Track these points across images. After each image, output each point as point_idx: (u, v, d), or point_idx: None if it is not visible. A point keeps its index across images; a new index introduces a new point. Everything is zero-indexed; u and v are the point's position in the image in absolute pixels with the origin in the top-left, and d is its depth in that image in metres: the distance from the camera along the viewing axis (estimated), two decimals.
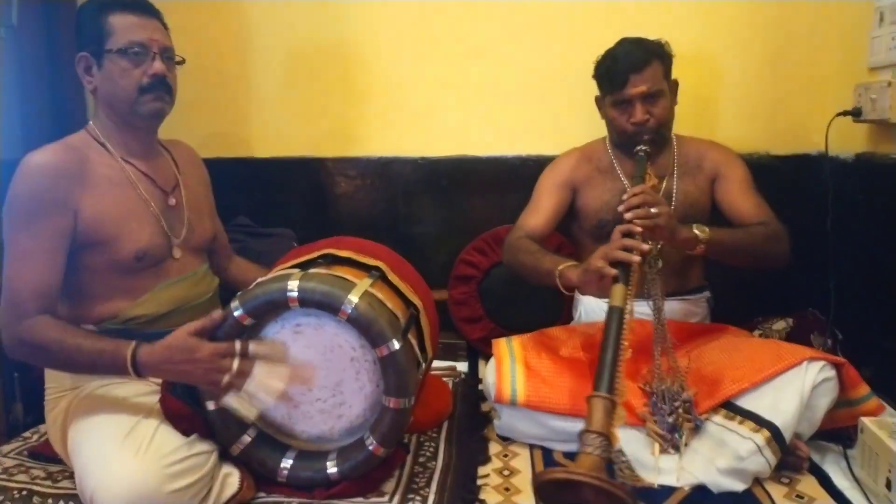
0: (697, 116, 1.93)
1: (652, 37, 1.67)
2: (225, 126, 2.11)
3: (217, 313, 1.24)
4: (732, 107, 1.98)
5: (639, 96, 1.60)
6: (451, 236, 2.08)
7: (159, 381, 1.36)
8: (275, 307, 1.25)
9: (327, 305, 1.23)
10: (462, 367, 1.95)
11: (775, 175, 1.92)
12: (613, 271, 1.35)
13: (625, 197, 1.47)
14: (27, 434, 1.56)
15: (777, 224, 1.62)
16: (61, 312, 1.34)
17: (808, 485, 1.35)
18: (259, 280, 1.30)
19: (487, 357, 1.99)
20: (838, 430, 1.45)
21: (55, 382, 1.38)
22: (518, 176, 2.04)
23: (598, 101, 1.75)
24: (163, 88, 1.38)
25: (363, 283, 1.29)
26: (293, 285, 1.23)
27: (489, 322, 2.02)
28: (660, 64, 1.63)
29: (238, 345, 1.23)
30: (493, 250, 2.03)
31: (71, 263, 1.31)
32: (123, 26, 1.35)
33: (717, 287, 1.82)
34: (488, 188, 2.06)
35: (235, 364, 1.23)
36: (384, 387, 1.27)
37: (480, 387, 1.81)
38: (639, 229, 1.41)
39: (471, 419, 1.63)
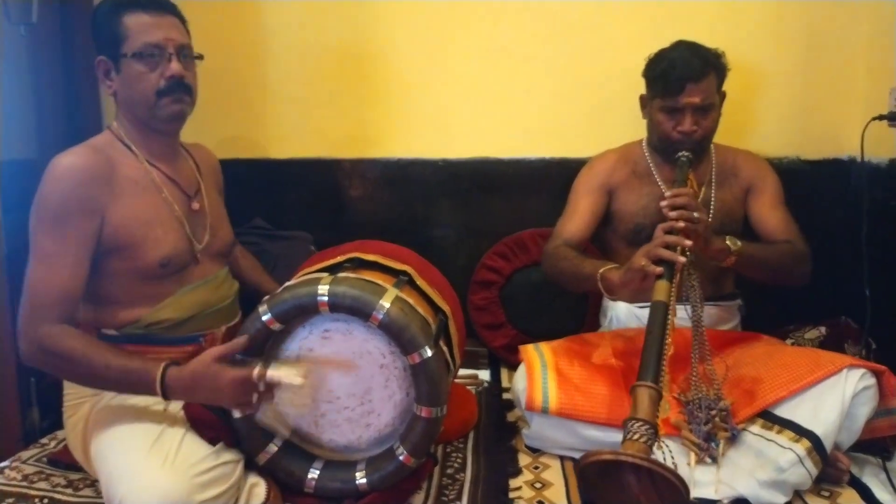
0: (727, 120, 1.88)
1: (676, 37, 1.64)
2: (241, 127, 2.08)
3: (243, 339, 1.20)
4: (763, 111, 1.94)
5: (691, 106, 1.57)
6: (472, 240, 2.05)
7: None
8: (304, 312, 1.22)
9: (358, 310, 1.19)
10: (484, 375, 1.90)
11: (806, 180, 1.89)
12: (658, 269, 1.33)
13: (668, 194, 1.45)
14: (45, 440, 1.52)
15: (802, 244, 1.62)
16: (82, 317, 1.30)
17: (849, 498, 1.32)
18: (287, 284, 1.26)
19: (510, 365, 1.97)
20: (876, 441, 1.41)
21: (75, 389, 1.34)
22: (541, 179, 2.01)
23: (644, 101, 1.71)
24: (181, 90, 1.33)
25: (393, 288, 1.25)
26: (323, 289, 1.19)
27: (511, 329, 1.98)
28: (715, 76, 1.59)
29: (256, 373, 1.18)
30: (516, 255, 2.00)
31: (94, 269, 1.27)
32: (137, 28, 1.30)
33: (746, 294, 1.78)
34: (510, 191, 2.03)
35: (262, 386, 1.19)
36: (415, 395, 1.24)
37: (505, 395, 1.78)
38: (682, 225, 1.38)
39: (497, 429, 1.59)
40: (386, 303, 1.19)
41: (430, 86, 2.00)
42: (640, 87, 1.77)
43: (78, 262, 1.23)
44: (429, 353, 1.20)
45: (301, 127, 2.06)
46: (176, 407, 1.28)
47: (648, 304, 1.65)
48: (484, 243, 2.03)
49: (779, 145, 1.92)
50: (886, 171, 1.72)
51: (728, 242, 1.48)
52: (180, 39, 1.34)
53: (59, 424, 1.57)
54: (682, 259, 1.34)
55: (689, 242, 1.37)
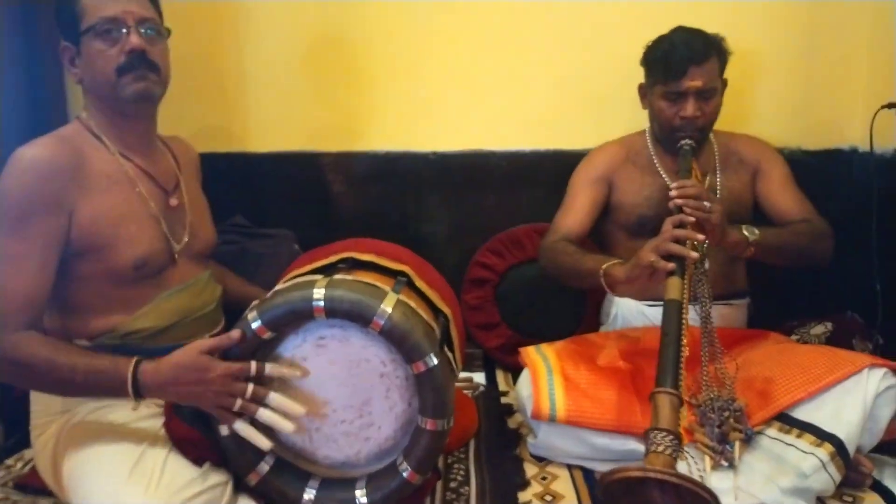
0: (726, 109, 1.82)
1: (674, 24, 1.58)
2: (217, 119, 1.95)
3: (235, 333, 1.09)
4: (762, 100, 1.88)
5: (694, 90, 1.51)
6: (464, 236, 1.96)
7: (161, 402, 1.22)
8: (297, 318, 1.12)
9: (357, 316, 1.09)
10: (479, 378, 1.82)
11: (806, 171, 1.82)
12: (670, 265, 1.27)
13: (673, 186, 1.39)
14: (10, 461, 1.41)
15: (821, 221, 1.57)
16: (50, 326, 1.19)
17: (873, 502, 1.26)
18: (278, 288, 1.16)
19: (505, 367, 1.89)
20: (893, 442, 1.36)
21: (43, 405, 1.23)
22: (536, 172, 1.93)
23: (643, 90, 1.65)
24: (144, 65, 1.20)
25: (392, 291, 1.15)
26: (319, 293, 1.09)
27: (507, 329, 1.90)
28: (717, 60, 1.54)
29: (254, 366, 1.09)
30: (510, 252, 1.92)
31: (62, 272, 1.16)
32: (93, 3, 1.19)
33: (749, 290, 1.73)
34: (504, 185, 1.94)
35: (250, 389, 1.09)
36: (419, 406, 1.14)
37: (503, 399, 1.70)
38: (691, 219, 1.32)
39: (499, 436, 1.51)
40: (388, 307, 1.09)
41: (419, 75, 1.90)
42: (637, 78, 1.70)
43: (44, 264, 1.12)
44: (434, 361, 1.10)
45: (282, 118, 1.94)
46: (156, 425, 1.18)
47: (657, 301, 1.60)
48: (476, 239, 1.94)
49: (779, 135, 1.86)
50: (892, 161, 1.66)
51: (745, 232, 1.43)
52: (141, 12, 1.21)
53: (25, 443, 1.46)
54: (695, 255, 1.28)
55: (700, 237, 1.31)
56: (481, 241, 1.94)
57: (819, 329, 1.72)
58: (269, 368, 1.11)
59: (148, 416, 1.21)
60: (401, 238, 1.58)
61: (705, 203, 1.34)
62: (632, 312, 1.66)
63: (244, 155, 1.95)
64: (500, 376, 1.85)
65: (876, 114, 1.58)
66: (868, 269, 1.64)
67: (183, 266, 1.30)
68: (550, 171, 1.90)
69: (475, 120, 1.93)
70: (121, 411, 1.20)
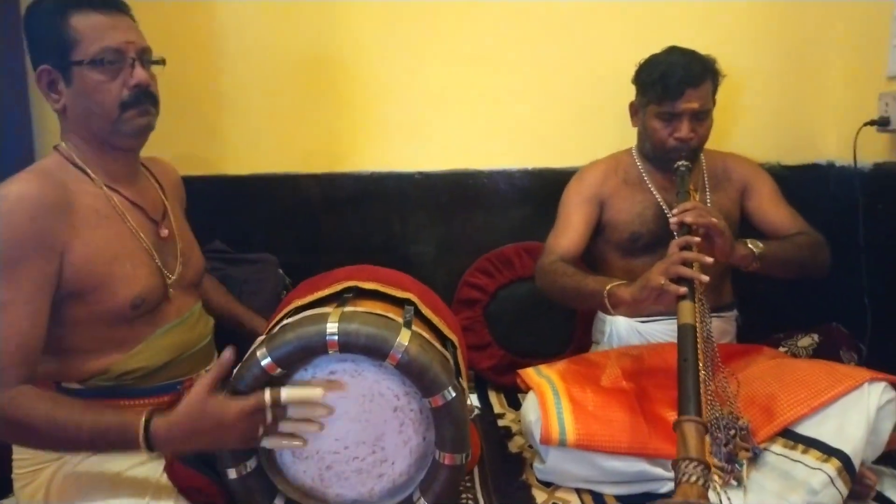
0: None
1: (660, 45, 1.62)
2: (195, 141, 1.88)
3: (226, 355, 1.02)
4: (743, 117, 1.92)
5: (689, 112, 1.53)
6: (452, 257, 1.94)
7: None
8: (310, 354, 1.07)
9: (374, 350, 1.06)
10: (473, 400, 1.79)
11: (786, 185, 1.85)
12: (682, 289, 1.27)
13: (676, 210, 1.40)
14: None
15: (815, 233, 1.60)
16: (40, 370, 1.11)
17: None
18: (287, 322, 1.11)
19: (497, 387, 1.87)
20: (889, 452, 1.39)
21: (29, 453, 1.15)
22: (522, 190, 1.92)
23: (634, 108, 1.66)
24: (148, 100, 1.17)
25: (405, 324, 1.12)
26: (333, 328, 1.05)
27: (498, 349, 1.89)
28: (711, 82, 1.56)
29: (268, 396, 1.03)
30: (500, 271, 1.90)
31: (53, 316, 1.08)
32: (91, 30, 1.12)
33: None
34: (491, 204, 1.93)
35: (269, 416, 1.04)
36: (437, 440, 1.11)
37: (500, 422, 1.68)
38: (697, 240, 1.34)
39: (503, 462, 1.48)
40: (404, 340, 1.06)
41: (404, 94, 1.87)
42: (622, 96, 1.71)
43: (37, 310, 1.04)
44: (453, 393, 1.08)
45: (263, 140, 1.88)
46: (156, 471, 1.11)
47: (650, 318, 1.64)
48: (465, 260, 1.93)
49: (759, 151, 1.90)
50: (871, 176, 1.71)
51: (750, 246, 1.45)
52: (141, 43, 1.17)
53: (2, 493, 1.37)
54: (705, 278, 1.29)
55: (709, 260, 1.32)
56: (469, 261, 1.93)
57: (806, 341, 1.75)
58: (286, 395, 1.04)
59: (143, 462, 1.15)
60: (388, 260, 1.55)
61: (713, 220, 1.36)
62: (626, 330, 1.66)
63: (224, 178, 1.89)
64: (494, 397, 1.83)
65: (859, 131, 1.63)
66: (850, 281, 1.68)
67: (177, 299, 1.25)
68: (538, 189, 1.91)
69: (461, 139, 1.91)
70: (118, 459, 1.14)
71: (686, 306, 1.26)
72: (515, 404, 1.81)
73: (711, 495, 1.05)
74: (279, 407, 1.05)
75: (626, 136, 1.76)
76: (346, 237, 1.92)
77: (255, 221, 1.91)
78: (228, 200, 1.89)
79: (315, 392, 1.06)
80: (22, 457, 1.17)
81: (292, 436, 1.07)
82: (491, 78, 1.88)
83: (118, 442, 1.01)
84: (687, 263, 1.31)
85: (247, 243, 1.86)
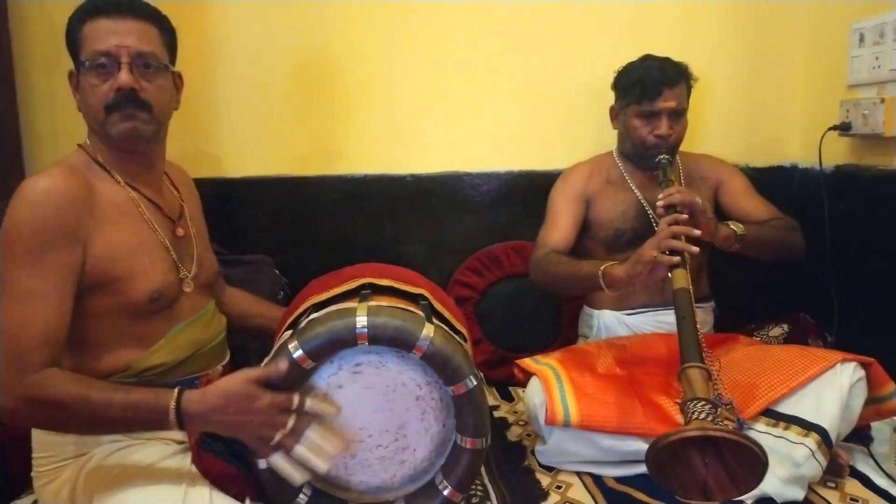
0: None
1: (636, 54, 1.73)
2: (189, 144, 1.89)
3: (283, 364, 1.07)
4: (712, 121, 2.02)
5: (667, 110, 1.64)
6: (442, 256, 2.00)
7: (180, 439, 1.19)
8: (339, 346, 1.12)
9: (401, 342, 1.11)
10: None
11: (754, 186, 1.99)
12: (675, 258, 1.38)
13: (661, 195, 1.50)
14: None
15: (788, 218, 1.72)
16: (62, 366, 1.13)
17: (855, 487, 1.40)
18: (314, 316, 1.15)
19: (490, 382, 1.94)
20: (858, 429, 1.50)
21: (52, 450, 1.17)
22: (510, 192, 2.00)
23: (614, 111, 1.77)
24: (132, 105, 1.15)
25: (425, 315, 1.18)
26: (362, 321, 1.10)
27: (489, 344, 1.96)
28: (685, 84, 1.69)
29: (296, 399, 1.08)
30: (489, 269, 1.97)
31: (74, 309, 1.11)
32: (93, 34, 1.15)
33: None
34: (480, 205, 1.99)
35: (291, 422, 1.08)
36: (459, 426, 1.17)
37: (496, 414, 1.75)
38: (685, 217, 1.44)
39: (505, 451, 1.55)
40: (429, 333, 1.11)
41: (395, 99, 1.93)
42: (602, 102, 1.82)
43: (61, 298, 1.07)
44: (474, 382, 1.14)
45: (256, 143, 1.91)
46: (183, 462, 1.14)
47: (636, 310, 1.74)
48: (454, 259, 1.99)
49: (728, 153, 2.00)
50: (833, 177, 1.85)
51: (733, 227, 1.56)
52: (138, 46, 1.16)
53: (10, 492, 1.37)
54: (695, 248, 1.40)
55: (697, 232, 1.43)
56: (459, 260, 1.99)
57: (777, 331, 1.87)
58: (310, 403, 1.09)
59: (172, 454, 1.18)
60: (379, 260, 1.59)
61: (697, 199, 1.47)
62: (613, 323, 1.75)
63: (218, 181, 1.90)
64: (487, 391, 1.87)
65: (824, 135, 1.76)
66: (816, 274, 1.81)
67: (192, 297, 1.28)
68: (524, 190, 1.98)
69: (450, 143, 1.97)
70: (142, 451, 1.17)
71: (679, 273, 1.37)
72: (508, 397, 1.88)
73: None
74: (302, 417, 1.09)
75: (605, 139, 1.87)
76: (339, 238, 1.96)
77: (248, 223, 1.93)
78: (222, 202, 1.90)
79: (331, 409, 1.12)
80: (42, 455, 1.18)
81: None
82: (479, 84, 1.95)
83: (148, 416, 1.04)
84: (676, 237, 1.41)
85: (241, 245, 1.88)
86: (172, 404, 1.03)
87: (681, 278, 1.36)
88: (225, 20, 1.85)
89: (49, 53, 1.79)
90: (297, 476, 1.11)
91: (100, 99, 1.15)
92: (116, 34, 1.16)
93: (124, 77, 1.15)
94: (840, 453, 1.44)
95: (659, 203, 1.51)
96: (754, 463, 1.05)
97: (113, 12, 1.17)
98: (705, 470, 1.08)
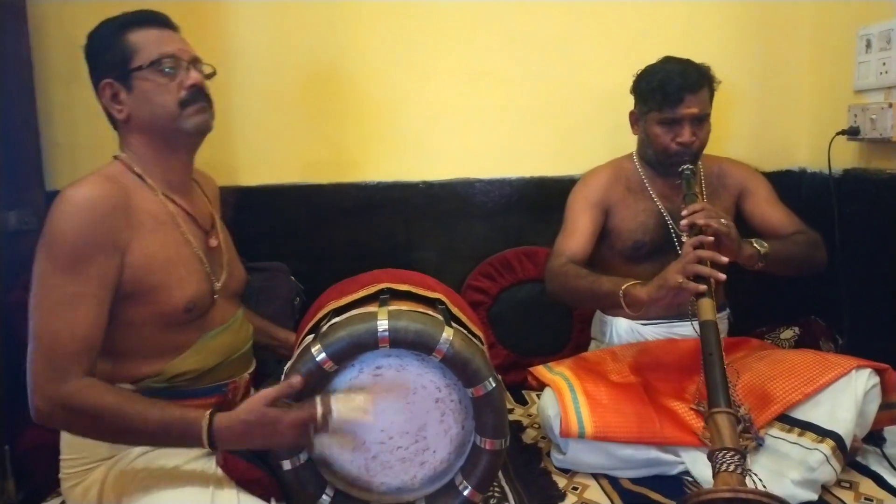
0: None
1: (646, 61, 1.71)
2: (206, 152, 1.86)
3: (296, 380, 1.09)
4: (723, 127, 2.03)
5: (690, 117, 1.60)
6: (455, 262, 2.02)
7: None
8: (361, 349, 1.14)
9: (422, 345, 1.13)
10: None
11: None
12: (701, 287, 1.35)
13: (685, 213, 1.47)
14: None
15: (812, 232, 1.68)
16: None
17: (868, 487, 1.41)
18: (336, 321, 1.18)
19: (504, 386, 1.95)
20: (872, 432, 1.51)
21: (84, 452, 1.19)
22: (521, 198, 2.02)
23: (634, 117, 1.73)
24: (203, 99, 1.25)
25: (444, 319, 1.20)
26: (383, 325, 1.12)
27: (502, 349, 1.98)
28: (708, 89, 1.64)
29: (319, 410, 1.10)
30: (501, 275, 2.00)
31: (110, 319, 1.13)
32: (148, 41, 1.21)
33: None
34: (491, 211, 2.02)
35: (320, 413, 1.10)
36: (478, 427, 1.19)
37: (510, 417, 1.76)
38: (710, 239, 1.41)
39: (521, 453, 1.57)
40: (449, 335, 1.14)
41: (408, 107, 1.96)
42: (611, 107, 1.84)
43: (100, 305, 1.10)
44: (493, 384, 1.16)
45: (272, 151, 1.94)
46: (210, 466, 1.17)
47: (651, 321, 1.72)
48: (467, 265, 2.02)
49: (738, 157, 2.02)
50: (842, 181, 1.87)
51: (756, 245, 1.52)
52: (192, 52, 1.26)
53: (36, 496, 1.40)
54: (722, 276, 1.37)
55: (725, 259, 1.39)
56: (471, 266, 2.02)
57: (788, 333, 1.90)
58: (337, 406, 1.11)
59: (196, 457, 1.20)
60: (393, 266, 1.61)
61: (722, 221, 1.43)
62: (626, 332, 1.74)
63: (234, 189, 1.93)
64: None
65: (832, 139, 1.78)
66: (827, 277, 1.82)
67: (222, 306, 1.30)
68: (535, 196, 2.01)
69: (462, 150, 2.00)
70: (168, 454, 1.19)
71: (706, 303, 1.34)
72: (521, 400, 1.90)
73: (748, 482, 1.12)
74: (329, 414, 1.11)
75: (615, 145, 1.88)
76: (352, 245, 1.99)
77: (263, 231, 1.96)
78: (238, 211, 1.93)
79: (363, 415, 1.14)
80: (71, 457, 1.21)
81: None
82: (490, 92, 1.98)
83: (181, 436, 1.07)
84: (702, 262, 1.39)
85: (256, 252, 1.90)
86: (205, 428, 1.06)
87: (707, 309, 1.33)
88: (239, 30, 1.89)
89: (68, 67, 1.82)
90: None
91: (173, 96, 1.21)
92: (173, 40, 1.25)
93: (196, 74, 1.24)
94: (854, 437, 1.44)
95: (683, 223, 1.47)
96: None
97: (159, 24, 1.25)
98: None
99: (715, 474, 1.12)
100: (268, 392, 1.09)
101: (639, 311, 1.49)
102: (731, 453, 1.11)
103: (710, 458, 1.14)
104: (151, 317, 1.17)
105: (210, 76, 1.30)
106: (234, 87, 1.91)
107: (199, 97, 1.23)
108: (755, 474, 1.15)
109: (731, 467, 1.09)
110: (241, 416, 1.07)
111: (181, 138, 1.25)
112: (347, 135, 1.96)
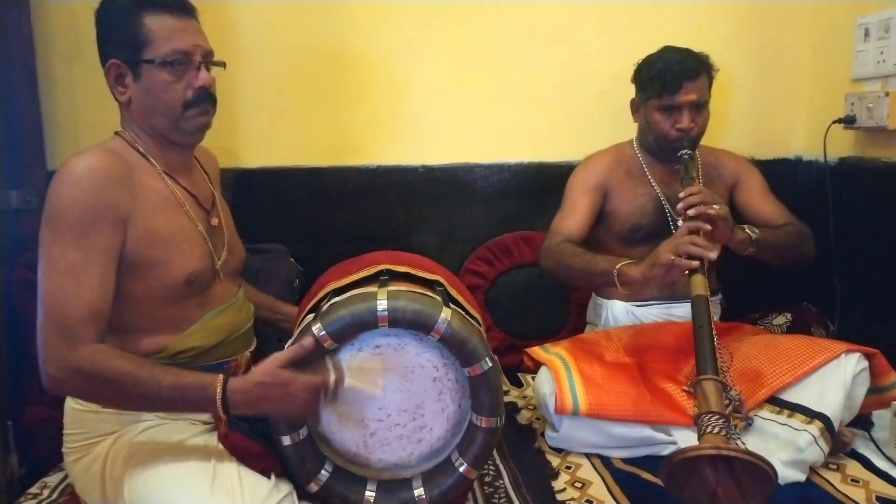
0: None
1: (646, 48, 1.74)
2: (207, 135, 1.90)
3: (308, 341, 1.11)
4: (720, 116, 2.05)
5: (688, 104, 1.64)
6: (453, 246, 2.04)
7: (206, 419, 1.24)
8: (360, 328, 1.16)
9: (420, 324, 1.15)
10: None
11: None
12: (693, 263, 1.39)
13: (682, 194, 1.50)
14: (35, 490, 1.35)
15: (802, 224, 1.72)
16: None
17: (855, 469, 1.44)
18: (336, 300, 1.20)
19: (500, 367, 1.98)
20: (860, 416, 1.54)
21: (88, 427, 1.21)
22: (520, 183, 2.04)
23: (636, 105, 1.77)
24: (208, 101, 1.25)
25: (442, 300, 1.22)
26: (383, 304, 1.14)
27: (499, 332, 2.00)
28: (706, 76, 1.68)
29: (332, 379, 1.12)
30: (499, 259, 2.02)
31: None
32: (163, 32, 1.19)
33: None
34: (490, 196, 2.04)
35: (332, 385, 1.13)
36: (475, 405, 1.22)
37: (507, 399, 1.79)
38: (707, 227, 1.44)
39: (516, 433, 1.60)
40: (447, 315, 1.16)
41: (409, 92, 1.97)
42: (611, 94, 1.86)
43: (106, 274, 1.12)
44: (489, 363, 1.18)
45: (273, 135, 1.96)
46: (211, 440, 1.19)
47: (645, 302, 1.76)
48: (465, 248, 2.04)
49: (734, 146, 2.04)
50: (837, 169, 1.89)
51: (748, 231, 1.56)
52: (206, 46, 1.25)
53: (38, 471, 1.42)
54: (713, 254, 1.40)
55: (713, 254, 1.41)
56: (469, 249, 2.04)
57: (780, 319, 1.92)
58: (348, 382, 1.14)
59: (200, 432, 1.22)
60: (391, 248, 1.63)
61: (714, 206, 1.47)
62: (623, 313, 1.77)
63: (236, 171, 1.94)
64: None
65: (828, 128, 1.80)
66: (819, 264, 1.85)
67: (223, 284, 1.32)
68: (534, 181, 2.03)
69: (462, 134, 2.01)
70: (170, 429, 1.21)
71: (698, 279, 1.38)
72: (517, 382, 1.93)
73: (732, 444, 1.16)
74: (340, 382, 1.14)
75: (614, 131, 1.90)
76: (352, 228, 2.01)
77: (264, 213, 1.97)
78: (239, 193, 1.95)
79: (373, 389, 1.17)
80: (74, 431, 1.23)
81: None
82: (491, 78, 1.99)
83: (195, 400, 1.09)
84: (695, 241, 1.42)
85: (256, 234, 1.92)
86: (219, 392, 1.07)
87: (699, 284, 1.37)
88: (242, 14, 1.89)
89: (70, 46, 1.82)
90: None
91: (177, 95, 1.21)
92: (188, 33, 1.22)
93: (205, 76, 1.23)
94: (844, 432, 1.49)
95: (679, 206, 1.50)
96: (764, 479, 1.09)
97: (177, 10, 1.22)
98: (716, 482, 1.11)
99: (700, 436, 1.15)
100: (281, 354, 1.10)
101: (632, 289, 1.53)
102: (717, 416, 1.15)
103: (696, 421, 1.18)
104: (153, 291, 1.19)
105: (220, 65, 1.29)
106: (237, 70, 1.91)
107: (204, 100, 1.23)
108: (740, 438, 1.19)
109: (716, 429, 1.13)
110: (256, 377, 1.09)
111: (179, 136, 1.25)
112: (349, 118, 1.98)
